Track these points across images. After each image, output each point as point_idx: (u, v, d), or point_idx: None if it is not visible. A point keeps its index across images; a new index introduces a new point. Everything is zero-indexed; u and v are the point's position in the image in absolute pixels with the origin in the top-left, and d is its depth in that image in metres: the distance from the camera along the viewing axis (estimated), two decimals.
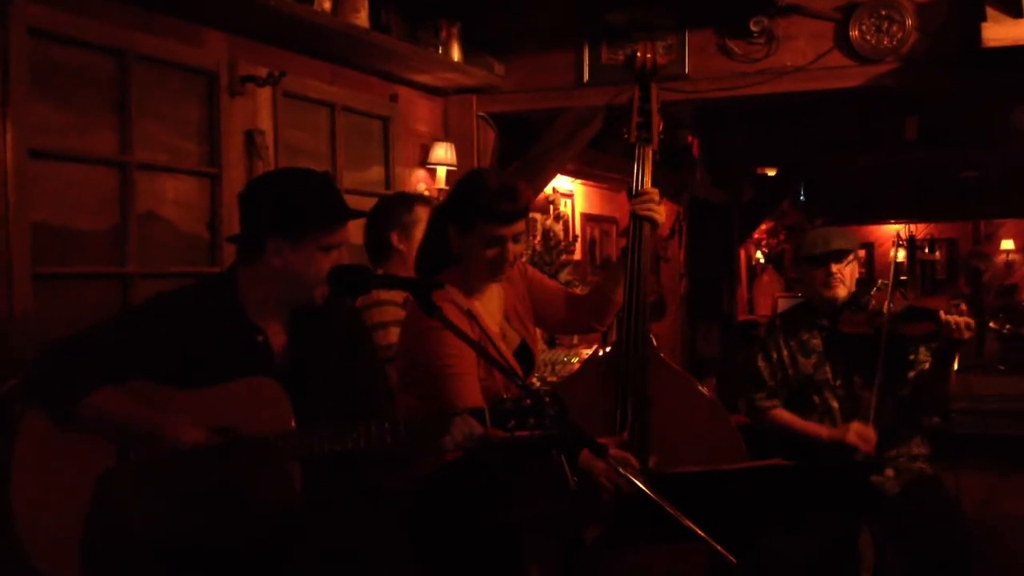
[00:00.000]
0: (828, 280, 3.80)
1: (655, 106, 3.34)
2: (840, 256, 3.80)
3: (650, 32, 5.02)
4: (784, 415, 3.85)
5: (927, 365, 3.74)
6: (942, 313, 3.46)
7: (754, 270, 11.78)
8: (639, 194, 3.23)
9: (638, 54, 3.36)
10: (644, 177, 3.27)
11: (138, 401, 2.36)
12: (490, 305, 3.04)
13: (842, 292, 3.80)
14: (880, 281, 3.82)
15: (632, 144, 3.31)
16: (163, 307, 2.51)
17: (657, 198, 3.23)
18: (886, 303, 3.64)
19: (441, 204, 3.15)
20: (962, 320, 3.43)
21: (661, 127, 3.34)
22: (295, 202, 2.50)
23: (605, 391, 3.18)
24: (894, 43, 4.73)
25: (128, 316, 2.66)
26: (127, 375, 2.39)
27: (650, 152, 3.29)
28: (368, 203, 4.80)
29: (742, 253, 10.82)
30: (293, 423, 2.41)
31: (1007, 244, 12.95)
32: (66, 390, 2.36)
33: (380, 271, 3.66)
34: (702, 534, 2.10)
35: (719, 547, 2.10)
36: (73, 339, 2.44)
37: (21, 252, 3.17)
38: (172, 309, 2.50)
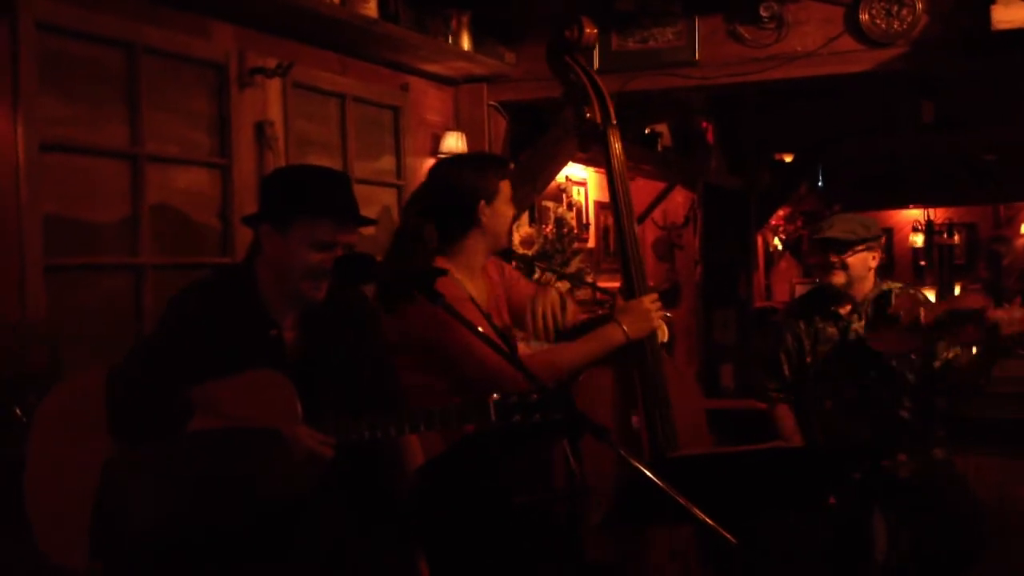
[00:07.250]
0: (827, 267, 3.78)
1: (597, 79, 3.07)
2: (841, 247, 3.76)
3: (659, 18, 5.01)
4: (781, 414, 3.85)
5: (950, 354, 3.68)
6: (990, 313, 3.26)
7: (771, 257, 11.72)
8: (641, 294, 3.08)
9: (565, 33, 3.12)
10: (616, 163, 2.98)
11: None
12: (480, 291, 3.13)
13: (840, 280, 3.76)
14: (899, 287, 3.75)
15: (603, 131, 3.01)
16: (191, 314, 2.51)
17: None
18: (922, 312, 3.40)
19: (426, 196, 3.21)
20: (1017, 313, 3.25)
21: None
22: (284, 191, 2.52)
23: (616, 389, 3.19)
24: (904, 27, 4.70)
25: (167, 337, 2.54)
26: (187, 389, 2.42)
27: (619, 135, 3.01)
28: (380, 193, 4.88)
29: (759, 239, 10.76)
30: (301, 417, 2.43)
31: None
32: (161, 429, 2.38)
33: None
34: (702, 516, 2.10)
35: (719, 528, 2.09)
36: (133, 379, 2.44)
37: (33, 244, 3.20)
38: (198, 313, 2.50)
